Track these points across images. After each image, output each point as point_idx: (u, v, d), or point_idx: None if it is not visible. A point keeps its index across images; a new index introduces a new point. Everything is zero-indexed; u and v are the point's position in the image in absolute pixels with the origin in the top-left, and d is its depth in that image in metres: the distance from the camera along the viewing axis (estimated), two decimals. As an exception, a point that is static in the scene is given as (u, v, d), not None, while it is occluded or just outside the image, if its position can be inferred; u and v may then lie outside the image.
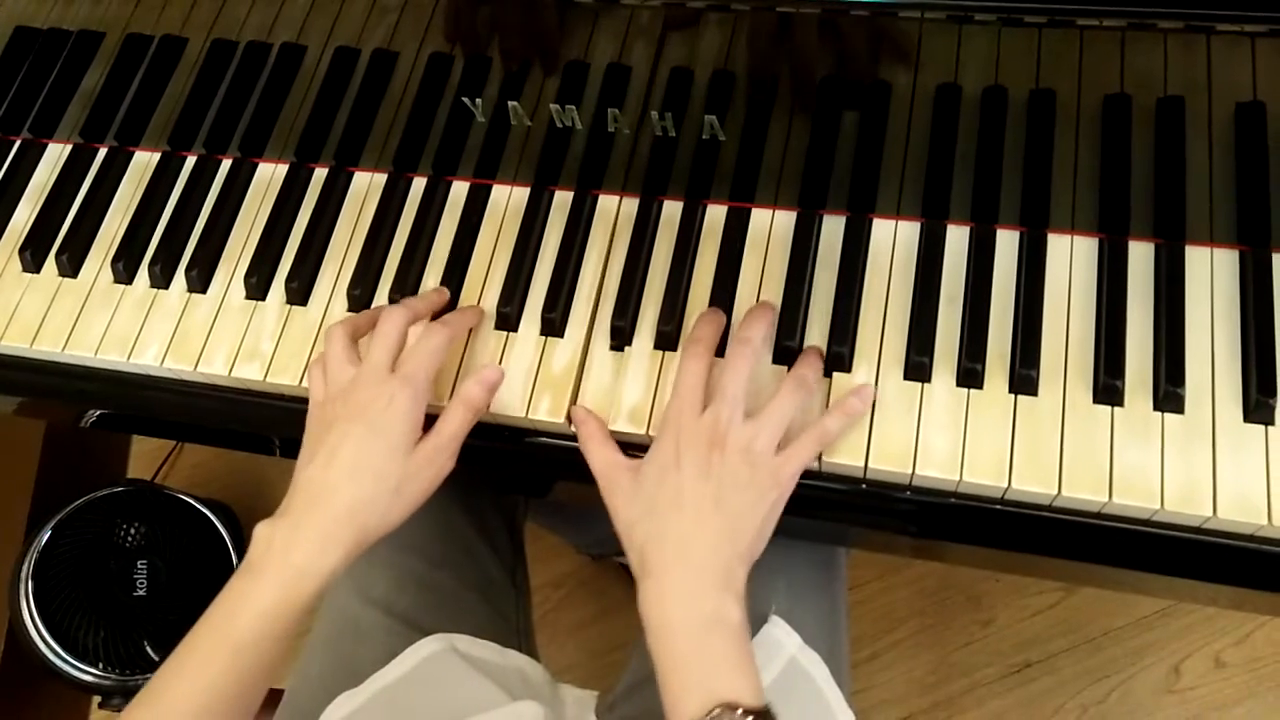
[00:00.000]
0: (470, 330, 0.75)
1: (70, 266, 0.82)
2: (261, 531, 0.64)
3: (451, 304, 0.76)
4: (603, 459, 0.68)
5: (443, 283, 0.77)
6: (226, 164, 0.85)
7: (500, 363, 0.74)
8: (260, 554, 0.63)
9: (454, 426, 0.68)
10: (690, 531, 0.62)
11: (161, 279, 0.80)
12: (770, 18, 0.65)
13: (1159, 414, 0.66)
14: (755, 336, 0.67)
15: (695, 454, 0.63)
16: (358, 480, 0.65)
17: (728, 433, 0.64)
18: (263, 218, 0.82)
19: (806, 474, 0.66)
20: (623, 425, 0.70)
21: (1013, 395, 0.67)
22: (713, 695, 0.58)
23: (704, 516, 0.62)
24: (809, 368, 0.68)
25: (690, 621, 0.60)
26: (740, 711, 0.57)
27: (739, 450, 0.63)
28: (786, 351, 0.70)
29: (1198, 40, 0.61)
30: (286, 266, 0.79)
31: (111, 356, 0.78)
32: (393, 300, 0.76)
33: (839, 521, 0.66)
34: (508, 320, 0.75)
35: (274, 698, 0.80)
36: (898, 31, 0.65)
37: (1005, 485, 0.65)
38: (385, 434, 0.65)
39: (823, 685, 0.76)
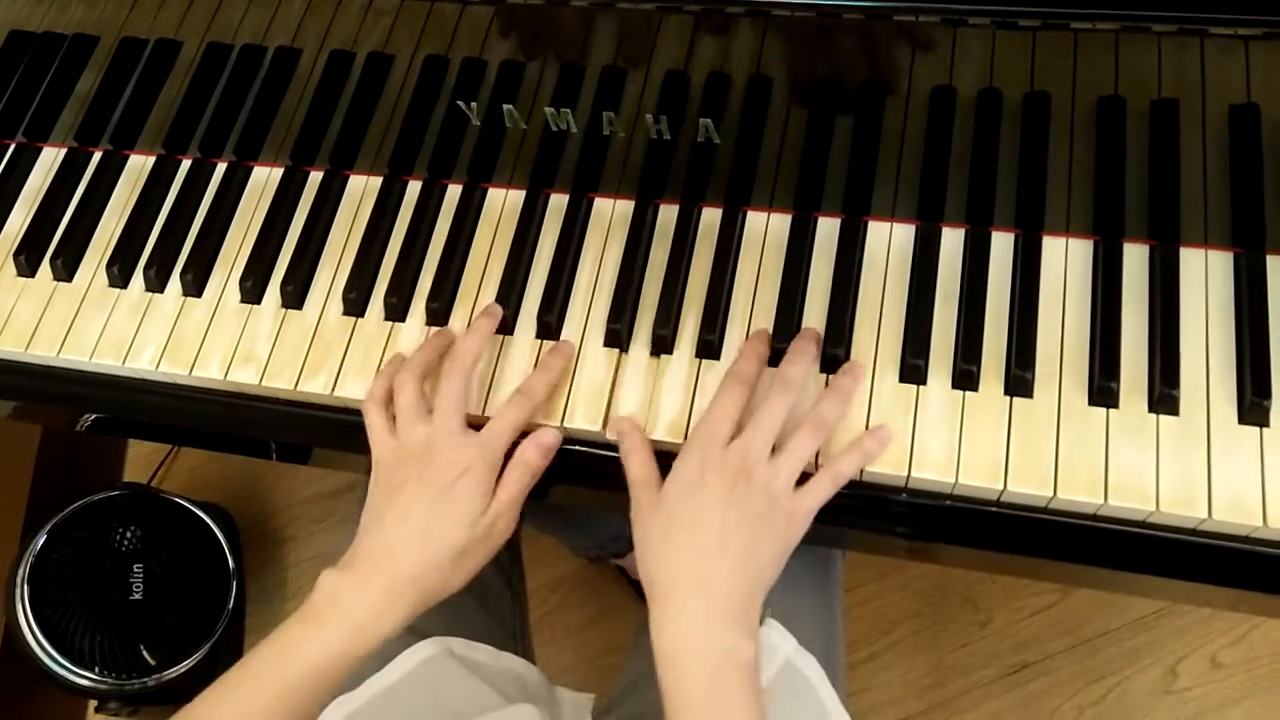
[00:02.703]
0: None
1: (65, 270, 0.82)
2: (326, 581, 0.65)
3: (450, 309, 0.76)
4: (638, 475, 0.67)
5: (436, 286, 0.76)
6: (221, 167, 0.85)
7: (495, 366, 0.73)
8: (324, 604, 0.64)
9: (512, 492, 0.69)
10: (709, 558, 0.62)
11: (157, 283, 0.80)
12: (764, 21, 0.66)
13: (1154, 416, 0.66)
14: (799, 377, 0.67)
15: (721, 480, 0.63)
16: (425, 547, 0.66)
17: (756, 465, 0.63)
18: (258, 221, 0.82)
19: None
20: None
21: (1008, 397, 0.67)
22: None
23: (725, 543, 0.62)
24: (832, 407, 0.67)
25: (705, 658, 0.60)
26: None
27: (763, 485, 0.63)
28: (778, 355, 0.70)
29: (1192, 43, 0.61)
30: (282, 270, 0.79)
31: (107, 360, 0.78)
32: (389, 304, 0.76)
33: (835, 524, 0.66)
34: (504, 324, 0.75)
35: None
36: (892, 34, 0.65)
37: (1001, 487, 0.65)
38: (457, 504, 0.66)
39: (819, 687, 0.76)
